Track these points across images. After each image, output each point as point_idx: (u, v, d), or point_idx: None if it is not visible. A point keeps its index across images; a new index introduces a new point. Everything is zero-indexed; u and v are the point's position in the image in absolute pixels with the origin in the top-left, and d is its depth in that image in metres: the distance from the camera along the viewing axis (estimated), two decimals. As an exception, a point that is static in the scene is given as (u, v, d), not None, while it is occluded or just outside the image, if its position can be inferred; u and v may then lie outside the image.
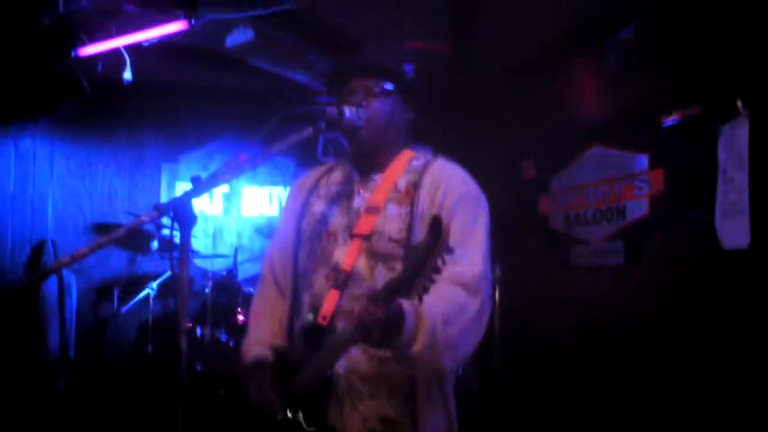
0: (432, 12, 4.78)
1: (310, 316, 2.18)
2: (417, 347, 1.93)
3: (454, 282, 2.04)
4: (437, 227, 1.75)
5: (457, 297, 2.06)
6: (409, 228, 2.17)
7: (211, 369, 5.08)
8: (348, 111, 2.20)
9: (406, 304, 1.90)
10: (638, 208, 4.64)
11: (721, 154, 3.84)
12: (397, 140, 2.36)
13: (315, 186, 2.45)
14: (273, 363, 2.24)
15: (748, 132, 3.64)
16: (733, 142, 3.74)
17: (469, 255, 2.12)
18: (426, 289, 1.79)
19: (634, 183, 4.67)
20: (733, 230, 3.72)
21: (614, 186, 4.86)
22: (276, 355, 2.25)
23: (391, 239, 2.17)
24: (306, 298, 2.27)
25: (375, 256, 2.18)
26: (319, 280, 2.24)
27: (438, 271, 1.77)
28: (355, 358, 2.13)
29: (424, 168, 2.29)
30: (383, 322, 1.86)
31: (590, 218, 5.07)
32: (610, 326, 4.76)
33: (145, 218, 1.72)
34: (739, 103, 3.68)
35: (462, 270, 2.07)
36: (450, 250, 1.75)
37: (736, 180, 3.72)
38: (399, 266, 2.14)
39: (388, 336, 1.90)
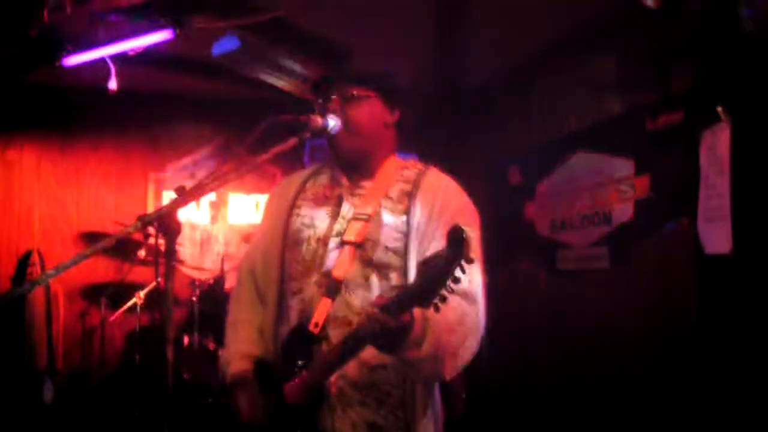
0: (416, 21, 4.80)
1: (300, 325, 2.16)
2: (422, 353, 1.91)
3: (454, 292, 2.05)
4: (458, 236, 1.70)
5: (457, 306, 2.03)
6: (406, 238, 2.15)
7: (199, 377, 5.07)
8: (332, 120, 2.18)
9: (415, 310, 1.87)
10: (623, 213, 4.67)
11: (703, 159, 3.87)
12: (381, 145, 2.32)
13: (301, 188, 2.41)
14: (256, 377, 2.22)
15: (729, 137, 3.67)
16: (714, 148, 3.77)
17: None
18: (444, 299, 1.75)
19: (619, 188, 4.70)
20: (715, 235, 3.75)
21: (600, 191, 4.89)
22: (259, 368, 2.23)
23: (387, 248, 2.16)
24: (294, 304, 2.24)
25: (369, 265, 2.16)
26: (310, 286, 2.21)
27: (458, 281, 1.73)
28: (346, 364, 2.09)
29: (418, 178, 2.27)
30: (394, 331, 1.83)
31: (576, 223, 5.09)
32: (597, 331, 4.78)
33: (129, 229, 1.72)
34: (720, 109, 3.71)
35: (461, 280, 2.08)
36: (471, 260, 1.71)
37: (718, 185, 3.75)
38: (395, 275, 2.14)
39: (395, 343, 1.88)
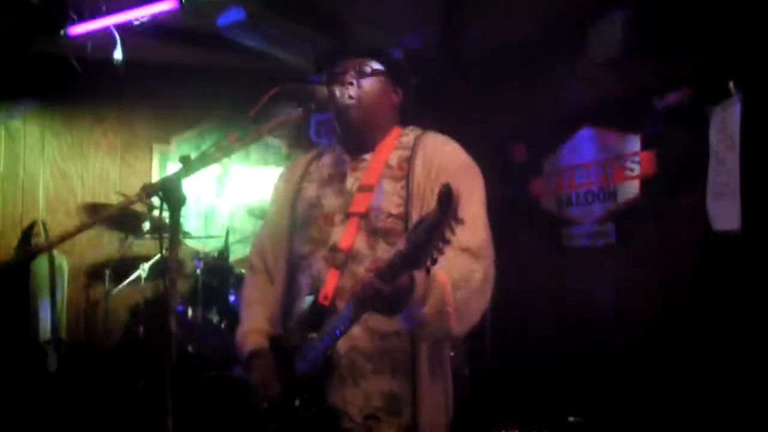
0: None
1: (310, 298, 2.16)
2: (426, 309, 1.93)
3: (459, 249, 2.02)
4: (447, 196, 1.69)
5: (463, 263, 2.05)
6: (407, 202, 2.17)
7: (202, 350, 5.07)
8: (338, 91, 2.20)
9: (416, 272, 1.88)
10: (630, 189, 4.65)
11: (712, 135, 3.85)
12: (386, 121, 2.35)
13: (305, 171, 2.44)
14: (271, 350, 2.23)
15: (740, 113, 3.64)
16: (725, 124, 3.74)
17: (471, 222, 2.09)
18: (435, 261, 1.76)
19: (625, 164, 4.67)
20: (724, 211, 3.73)
21: (606, 167, 4.86)
22: (272, 343, 2.24)
23: (390, 215, 2.17)
24: (305, 280, 2.26)
25: (375, 233, 2.18)
26: (318, 261, 2.23)
27: (448, 242, 1.73)
28: (356, 335, 2.11)
29: (415, 142, 2.29)
30: (389, 296, 1.84)
31: (582, 200, 5.07)
32: (603, 308, 4.77)
33: (133, 199, 1.71)
34: (731, 85, 3.67)
35: (466, 237, 2.05)
36: (460, 220, 1.71)
37: (728, 161, 3.72)
38: (400, 241, 2.08)
39: (395, 306, 1.90)
